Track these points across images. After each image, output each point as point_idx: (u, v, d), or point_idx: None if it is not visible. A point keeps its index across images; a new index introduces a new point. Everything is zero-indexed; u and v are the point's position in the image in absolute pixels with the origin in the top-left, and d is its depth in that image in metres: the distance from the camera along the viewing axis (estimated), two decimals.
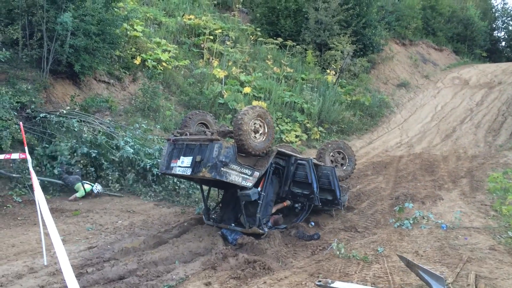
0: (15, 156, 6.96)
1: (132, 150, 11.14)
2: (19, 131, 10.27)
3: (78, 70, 12.34)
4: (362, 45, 22.95)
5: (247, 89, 17.08)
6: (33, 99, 11.57)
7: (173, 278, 6.12)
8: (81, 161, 10.93)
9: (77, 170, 10.80)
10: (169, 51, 16.90)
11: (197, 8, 21.95)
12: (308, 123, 17.54)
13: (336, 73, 21.29)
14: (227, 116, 15.78)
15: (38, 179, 6.64)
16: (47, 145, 11.00)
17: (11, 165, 10.57)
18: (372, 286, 5.44)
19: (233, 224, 8.31)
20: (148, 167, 11.13)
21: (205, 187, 9.33)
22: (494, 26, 38.57)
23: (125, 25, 14.77)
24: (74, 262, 6.63)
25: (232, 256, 6.85)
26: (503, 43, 39.45)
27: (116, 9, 13.61)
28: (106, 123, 12.26)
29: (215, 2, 23.83)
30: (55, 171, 10.64)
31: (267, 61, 19.95)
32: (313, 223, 9.14)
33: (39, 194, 5.93)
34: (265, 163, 8.01)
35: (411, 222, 8.32)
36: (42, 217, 5.72)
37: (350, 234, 8.33)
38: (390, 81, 24.87)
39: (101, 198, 10.62)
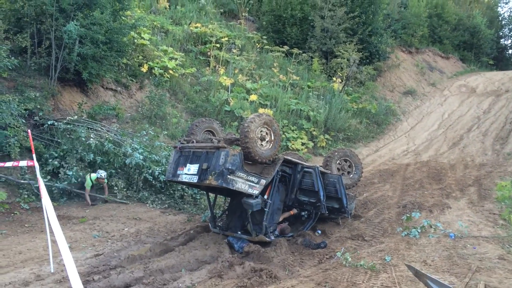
0: (23, 163, 6.99)
1: (142, 157, 11.19)
2: (27, 138, 10.34)
3: (86, 77, 12.43)
4: (368, 53, 22.96)
5: (253, 97, 17.12)
6: (41, 107, 11.65)
7: (179, 287, 6.10)
8: (88, 169, 11.00)
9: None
10: (176, 59, 17.00)
11: (204, 16, 22.09)
12: (314, 130, 17.51)
13: (342, 80, 21.29)
14: (233, 123, 15.79)
15: (49, 185, 6.66)
16: (54, 153, 11.06)
17: (18, 174, 10.63)
18: None
19: (239, 232, 8.28)
20: (156, 174, 11.16)
21: (211, 195, 9.32)
22: (501, 34, 38.44)
23: (132, 33, 14.88)
24: (81, 269, 6.63)
25: (238, 264, 6.82)
26: (510, 51, 39.35)
27: (123, 18, 13.73)
28: (113, 130, 12.31)
29: (222, 10, 23.97)
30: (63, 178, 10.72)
31: (273, 69, 19.99)
32: (319, 232, 9.09)
33: (46, 201, 5.94)
34: (271, 170, 7.99)
35: (419, 231, 8.25)
36: (49, 224, 5.73)
37: (357, 243, 8.27)
38: (397, 89, 24.83)
39: (107, 205, 10.64)
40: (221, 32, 20.51)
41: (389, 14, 26.95)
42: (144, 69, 15.25)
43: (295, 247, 8.08)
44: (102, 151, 11.23)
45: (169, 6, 21.51)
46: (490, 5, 38.43)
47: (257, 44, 21.80)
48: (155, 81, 15.54)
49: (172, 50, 17.55)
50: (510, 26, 39.22)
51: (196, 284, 6.17)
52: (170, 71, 16.11)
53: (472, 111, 22.08)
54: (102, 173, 10.70)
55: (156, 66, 15.76)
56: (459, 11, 33.68)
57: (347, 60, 21.31)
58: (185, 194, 11.45)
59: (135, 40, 15.71)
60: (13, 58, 11.29)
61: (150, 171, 11.18)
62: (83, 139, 11.15)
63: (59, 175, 10.79)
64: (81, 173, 10.84)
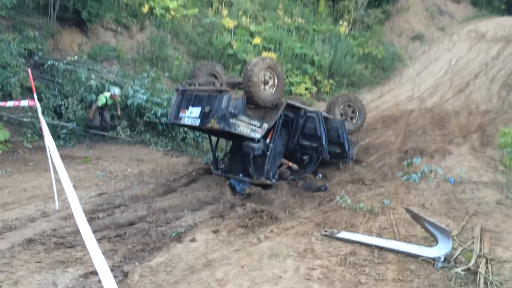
0: (24, 103, 6.98)
1: (144, 97, 11.17)
2: (27, 78, 10.27)
3: (85, 17, 12.15)
4: None
5: (257, 40, 16.78)
6: (40, 46, 11.47)
7: (182, 225, 6.28)
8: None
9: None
10: None
11: None
12: (318, 75, 17.31)
13: (349, 24, 20.76)
14: (236, 67, 15.59)
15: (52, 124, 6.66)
16: (56, 93, 11.02)
17: (20, 114, 10.65)
18: (377, 237, 5.54)
19: (241, 175, 8.40)
20: (159, 114, 11.18)
21: (213, 138, 9.37)
22: None
23: None
24: (85, 207, 6.81)
25: (239, 205, 6.98)
26: None
27: None
28: (114, 72, 12.19)
29: None
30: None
31: (278, 11, 19.45)
32: (320, 175, 9.22)
33: (49, 140, 5.97)
34: (274, 115, 7.98)
35: (419, 176, 8.36)
36: (52, 163, 5.81)
37: (357, 187, 8.41)
38: (405, 34, 24.22)
39: (110, 146, 10.74)
40: None
41: None
42: (145, 9, 14.85)
43: (296, 190, 8.22)
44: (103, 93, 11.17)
45: None
46: None
47: None
48: (156, 22, 15.18)
49: None
50: None
51: (198, 223, 6.34)
52: (172, 12, 15.69)
53: (481, 57, 21.65)
54: (116, 89, 10.87)
55: (157, 6, 15.33)
56: None
57: (355, 2, 20.67)
58: (187, 137, 11.52)
59: None
60: None
61: (152, 112, 11.19)
62: (84, 80, 11.07)
63: (62, 115, 10.82)
64: (81, 113, 10.88)
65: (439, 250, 4.94)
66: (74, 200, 3.98)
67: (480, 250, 5.14)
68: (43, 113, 7.59)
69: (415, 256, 5.00)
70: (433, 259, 4.89)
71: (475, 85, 18.21)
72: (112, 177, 8.65)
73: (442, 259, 4.86)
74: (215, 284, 4.44)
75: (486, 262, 4.84)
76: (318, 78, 17.25)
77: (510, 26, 25.79)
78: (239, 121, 7.36)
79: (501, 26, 25.95)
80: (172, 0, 16.10)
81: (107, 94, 10.77)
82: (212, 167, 8.92)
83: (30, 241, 5.47)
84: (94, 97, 10.95)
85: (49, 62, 11.30)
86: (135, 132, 11.39)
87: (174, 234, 5.94)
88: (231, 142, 9.54)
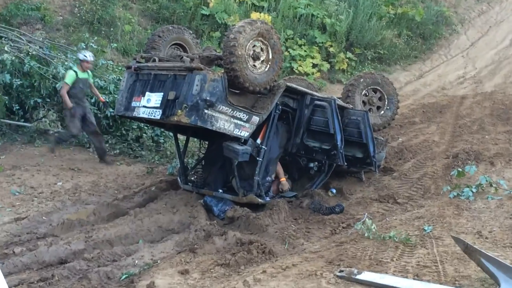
0: None
1: None
2: None
3: None
4: None
5: None
6: None
7: (135, 264, 6.23)
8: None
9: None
10: None
11: None
12: (331, 46, 17.35)
13: None
14: (214, 34, 15.58)
15: None
16: None
17: None
18: (414, 279, 5.56)
19: (220, 190, 8.40)
20: (101, 104, 11.11)
21: (181, 137, 9.35)
22: None
23: None
24: None
25: (218, 234, 6.94)
26: None
27: None
28: (37, 42, 12.11)
29: None
30: None
31: None
32: (334, 191, 9.24)
33: None
34: (268, 104, 7.98)
35: (474, 190, 8.38)
36: None
37: (386, 207, 8.42)
38: None
39: (31, 149, 10.67)
40: None
41: None
42: None
43: (299, 212, 8.22)
44: (22, 71, 11.10)
45: None
46: None
47: None
48: None
49: None
50: None
51: (159, 261, 6.31)
52: None
53: None
54: (87, 53, 10.58)
55: None
56: None
57: None
58: (144, 135, 11.47)
59: None
60: None
61: (92, 100, 11.13)
62: None
63: None
64: None
65: None
66: None
67: None
68: None
69: None
70: None
71: None
72: (34, 194, 8.58)
73: None
74: None
75: None
76: (331, 50, 17.29)
77: None
78: (218, 112, 7.36)
79: None
80: None
81: (75, 67, 10.52)
82: (179, 179, 8.90)
83: None
84: (8, 77, 10.84)
85: None
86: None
87: (123, 277, 5.90)
88: (206, 144, 9.53)
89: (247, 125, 7.67)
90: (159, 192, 8.74)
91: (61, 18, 13.80)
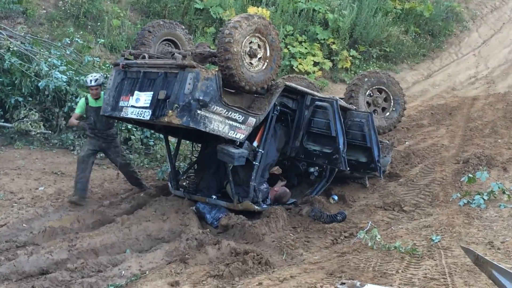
0: None
1: (65, 78, 11.10)
2: None
3: None
4: None
5: None
6: None
7: (122, 275, 6.23)
8: None
9: None
10: None
11: None
12: (334, 43, 17.36)
13: None
14: (208, 29, 15.59)
15: None
16: None
17: None
18: None
19: (214, 196, 8.40)
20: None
21: (172, 139, 9.35)
22: None
23: None
24: None
25: (211, 244, 6.95)
26: None
27: None
28: (19, 37, 12.10)
29: None
30: None
31: None
32: (336, 197, 9.24)
33: None
34: (265, 104, 7.99)
35: (485, 198, 8.40)
36: None
37: (391, 215, 8.43)
38: None
39: (11, 151, 10.66)
40: None
41: None
42: None
43: (298, 220, 8.25)
44: (2, 68, 11.09)
45: None
46: None
47: None
48: None
49: None
50: None
51: (147, 272, 6.31)
52: None
53: None
54: (90, 78, 8.92)
55: None
56: None
57: None
58: (132, 137, 11.47)
59: None
60: None
61: (77, 100, 11.12)
62: None
63: None
64: None
65: None
66: None
67: None
68: None
69: None
70: None
71: None
72: (14, 200, 8.57)
73: None
74: None
75: None
76: (334, 47, 17.31)
77: None
78: (212, 113, 7.37)
79: None
80: None
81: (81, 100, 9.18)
82: (170, 184, 8.90)
83: None
84: None
85: None
86: (51, 131, 11.30)
87: None
88: (199, 147, 9.53)
89: (243, 126, 7.67)
90: (148, 198, 8.73)
91: (45, 11, 13.81)
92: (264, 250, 6.93)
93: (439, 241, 6.92)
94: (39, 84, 11.00)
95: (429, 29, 20.41)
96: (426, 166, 10.50)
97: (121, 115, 7.90)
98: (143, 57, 8.13)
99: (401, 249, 6.69)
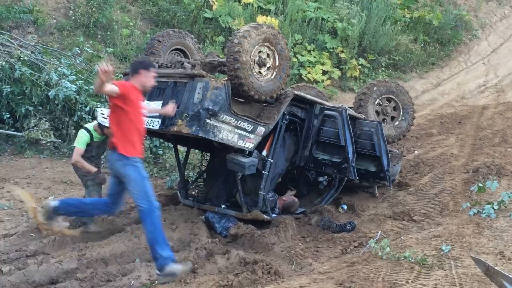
0: None
1: (74, 87, 11.14)
2: None
3: None
4: None
5: None
6: None
7: (131, 284, 6.21)
8: None
9: None
10: None
11: None
12: (343, 52, 17.37)
13: None
14: (217, 38, 15.62)
15: None
16: None
17: None
18: None
19: (223, 206, 8.40)
20: (95, 114, 11.14)
21: (182, 148, 9.35)
22: None
23: None
24: None
25: (221, 253, 6.93)
26: None
27: None
28: (29, 46, 12.16)
29: None
30: None
31: None
32: (345, 207, 9.22)
33: None
34: (274, 113, 7.99)
35: (496, 207, 8.35)
36: None
37: (401, 224, 8.40)
38: None
39: (22, 160, 10.69)
40: None
41: None
42: None
43: (307, 230, 8.23)
44: (13, 78, 11.15)
45: None
46: None
47: None
48: None
49: None
50: None
51: (156, 281, 6.30)
52: None
53: None
54: (104, 111, 8.23)
55: None
56: None
57: None
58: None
59: None
60: None
61: (87, 109, 11.16)
62: None
63: None
64: None
65: None
66: None
67: None
68: None
69: None
70: None
71: None
72: (24, 209, 8.57)
73: None
74: None
75: None
76: (343, 56, 17.32)
77: None
78: (221, 122, 7.37)
79: None
80: None
81: (90, 125, 8.48)
82: (179, 193, 8.91)
83: None
84: None
85: None
86: (61, 140, 11.34)
87: None
88: (208, 156, 9.53)
89: (252, 136, 7.67)
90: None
91: (55, 21, 13.89)
92: (273, 259, 6.91)
93: (449, 251, 6.89)
94: (49, 94, 11.05)
95: (438, 38, 20.39)
96: (435, 175, 10.45)
97: None
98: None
99: (410, 259, 6.66)
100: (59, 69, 11.57)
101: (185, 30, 10.41)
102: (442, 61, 19.78)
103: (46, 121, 11.26)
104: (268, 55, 7.79)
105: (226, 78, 7.59)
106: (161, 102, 7.50)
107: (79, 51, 12.59)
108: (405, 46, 19.07)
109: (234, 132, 7.51)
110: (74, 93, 11.12)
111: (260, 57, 7.71)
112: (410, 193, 9.79)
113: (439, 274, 6.27)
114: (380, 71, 17.91)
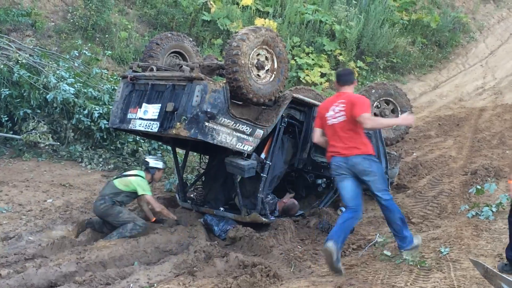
0: None
1: (73, 90, 11.13)
2: None
3: None
4: None
5: (246, 0, 16.85)
6: None
7: (130, 287, 6.24)
8: None
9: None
10: None
11: None
12: (341, 54, 17.39)
13: None
14: (215, 41, 15.62)
15: None
16: None
17: None
18: None
19: (222, 208, 8.40)
20: (96, 116, 11.12)
21: (180, 151, 9.34)
22: None
23: None
24: None
25: (219, 256, 6.92)
26: None
27: None
28: (27, 49, 12.16)
29: None
30: None
31: None
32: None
33: None
34: (273, 116, 7.99)
35: (494, 210, 8.35)
36: None
37: None
38: None
39: (19, 163, 10.68)
40: None
41: None
42: None
43: (306, 232, 8.24)
44: (11, 81, 11.15)
45: None
46: None
47: None
48: None
49: None
50: None
51: (155, 284, 6.30)
52: None
53: None
54: (158, 163, 8.53)
55: None
56: None
57: None
58: (140, 149, 11.49)
59: None
60: None
61: (85, 112, 11.16)
62: None
63: None
64: None
65: None
66: None
67: None
68: None
69: None
70: None
71: None
72: (22, 212, 8.57)
73: None
74: None
75: None
76: (341, 58, 17.33)
77: None
78: (219, 125, 7.37)
79: None
80: None
81: (139, 179, 8.28)
82: (177, 196, 8.89)
83: None
84: None
85: None
86: (59, 143, 11.33)
87: None
88: (207, 158, 9.53)
89: (250, 138, 7.67)
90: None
91: (53, 24, 13.88)
92: (272, 262, 6.91)
93: (447, 254, 6.90)
94: (48, 97, 11.04)
95: (436, 40, 20.43)
96: (433, 177, 10.47)
97: (129, 127, 7.92)
98: (151, 70, 8.15)
99: (409, 261, 6.67)
100: (57, 72, 11.57)
101: (183, 33, 10.42)
102: (440, 63, 19.81)
103: (44, 124, 11.26)
104: (266, 58, 7.79)
105: (224, 81, 7.57)
106: (160, 105, 7.50)
107: (77, 54, 12.58)
108: (403, 48, 19.10)
109: (233, 135, 7.51)
110: (73, 96, 11.12)
111: (258, 60, 7.70)
112: (408, 195, 9.80)
113: (437, 276, 6.27)
114: (378, 73, 17.94)
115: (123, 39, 14.49)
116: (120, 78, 8.67)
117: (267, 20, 16.65)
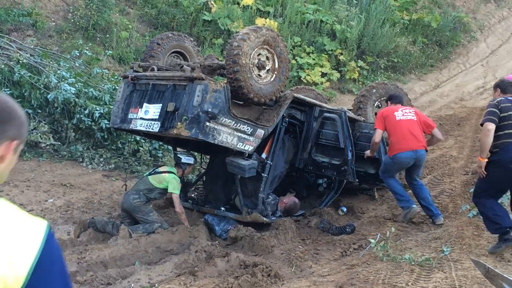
0: None
1: (73, 90, 11.14)
2: None
3: None
4: None
5: (247, 0, 16.85)
6: None
7: (131, 287, 6.24)
8: None
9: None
10: None
11: None
12: (342, 54, 17.39)
13: None
14: (216, 41, 15.62)
15: None
16: None
17: None
18: None
19: (223, 208, 8.41)
20: (96, 116, 11.13)
21: (181, 151, 9.35)
22: None
23: None
24: None
25: (220, 256, 6.92)
26: None
27: None
28: (28, 49, 12.16)
29: None
30: None
31: None
32: (344, 209, 9.21)
33: None
34: (273, 116, 8.00)
35: None
36: None
37: (401, 227, 8.39)
38: None
39: (21, 163, 10.68)
40: None
41: None
42: None
43: (307, 232, 8.24)
44: (12, 81, 11.15)
45: None
46: None
47: None
48: None
49: None
50: None
51: (156, 284, 6.30)
52: None
53: None
54: (190, 159, 8.66)
55: None
56: None
57: None
58: (141, 149, 11.50)
59: None
60: None
61: (86, 112, 11.16)
62: None
63: None
64: None
65: None
66: None
67: None
68: None
69: None
70: None
71: None
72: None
73: None
74: None
75: None
76: (342, 58, 17.34)
77: None
78: (220, 125, 7.37)
79: None
80: None
81: (169, 176, 8.28)
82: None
83: None
84: None
85: None
86: (60, 143, 11.34)
87: None
88: (208, 158, 9.53)
89: (251, 138, 7.67)
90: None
91: (54, 24, 13.89)
92: (273, 262, 6.91)
93: (449, 253, 6.90)
94: (48, 96, 11.04)
95: (437, 40, 20.44)
96: (434, 177, 10.46)
97: (130, 127, 7.93)
98: (152, 69, 8.15)
99: (411, 261, 6.66)
100: (58, 72, 11.57)
101: (184, 33, 10.44)
102: (440, 63, 19.81)
103: (45, 123, 11.27)
104: (267, 58, 7.80)
105: (225, 81, 7.59)
106: (161, 105, 7.51)
107: (78, 54, 12.59)
108: (403, 48, 19.11)
109: (234, 135, 7.51)
110: (73, 95, 11.11)
111: (259, 59, 7.71)
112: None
113: (439, 276, 6.27)
114: (379, 73, 17.94)
115: (123, 39, 14.50)
116: (121, 78, 8.69)
117: (267, 20, 16.66)
